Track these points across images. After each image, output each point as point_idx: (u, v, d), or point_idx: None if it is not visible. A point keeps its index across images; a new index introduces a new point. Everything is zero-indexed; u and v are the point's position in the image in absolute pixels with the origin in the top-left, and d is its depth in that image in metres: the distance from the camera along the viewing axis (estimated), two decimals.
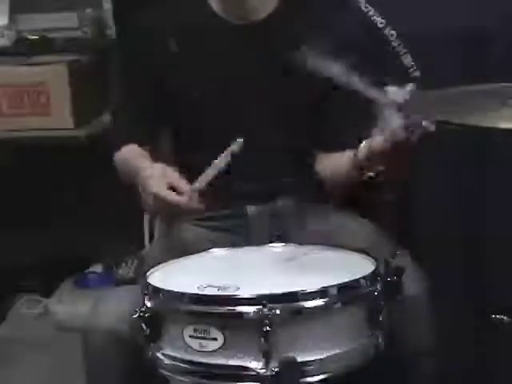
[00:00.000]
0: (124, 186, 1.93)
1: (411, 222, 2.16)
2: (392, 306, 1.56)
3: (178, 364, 1.51)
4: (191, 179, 1.79)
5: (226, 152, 1.72)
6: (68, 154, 2.86)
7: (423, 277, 1.75)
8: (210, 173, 1.74)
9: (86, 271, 3.14)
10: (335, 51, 1.89)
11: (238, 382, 1.47)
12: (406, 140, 1.58)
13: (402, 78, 2.14)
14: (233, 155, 1.73)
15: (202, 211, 1.75)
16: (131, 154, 1.96)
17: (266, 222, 1.91)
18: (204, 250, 1.78)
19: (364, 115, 1.76)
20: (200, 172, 1.76)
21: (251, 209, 1.93)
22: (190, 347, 1.49)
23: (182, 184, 1.72)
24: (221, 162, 1.73)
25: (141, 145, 1.97)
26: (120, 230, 2.81)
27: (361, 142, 1.74)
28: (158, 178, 1.74)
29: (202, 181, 1.73)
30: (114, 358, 1.68)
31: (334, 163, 1.92)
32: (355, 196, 1.97)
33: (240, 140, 1.73)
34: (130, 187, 1.86)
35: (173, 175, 1.74)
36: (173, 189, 1.71)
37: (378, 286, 1.53)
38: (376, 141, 1.66)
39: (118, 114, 2.10)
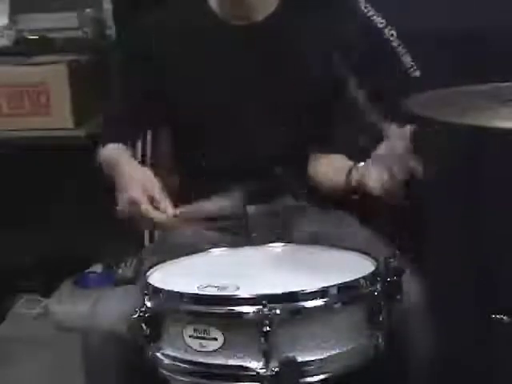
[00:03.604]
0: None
1: (411, 223, 2.16)
2: (392, 305, 1.56)
3: (178, 364, 1.51)
4: (190, 179, 1.79)
5: (231, 200, 1.71)
6: (68, 154, 2.86)
7: (422, 280, 1.74)
8: (200, 208, 1.71)
9: (86, 271, 3.14)
10: (333, 51, 1.90)
11: (237, 382, 1.47)
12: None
13: (402, 78, 2.16)
14: (235, 212, 1.73)
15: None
16: (114, 150, 1.95)
17: (266, 222, 1.91)
18: (204, 250, 1.78)
19: (365, 118, 1.77)
20: (199, 173, 1.76)
21: (251, 209, 1.93)
22: (190, 347, 1.49)
23: (163, 200, 1.69)
24: (218, 207, 1.72)
25: (132, 145, 1.98)
26: (120, 230, 2.80)
27: (361, 152, 1.76)
28: (138, 182, 1.72)
29: (189, 211, 1.71)
30: (114, 357, 1.68)
31: (327, 168, 1.92)
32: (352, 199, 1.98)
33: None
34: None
35: (154, 186, 1.71)
36: (151, 199, 1.68)
37: (378, 286, 1.53)
38: (369, 177, 1.70)
39: (110, 114, 2.09)
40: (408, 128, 1.65)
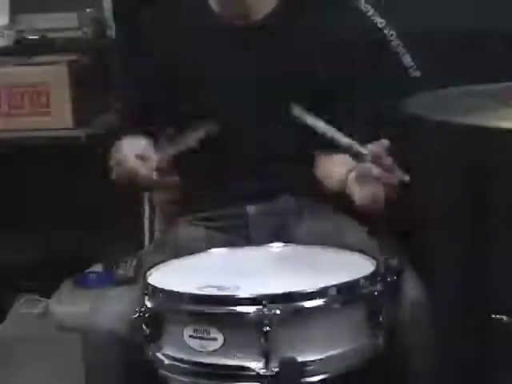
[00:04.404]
0: (124, 186, 1.93)
1: (411, 222, 2.16)
2: (392, 305, 1.56)
3: (178, 364, 1.51)
4: (190, 179, 1.80)
5: (199, 131, 1.74)
6: (68, 153, 2.86)
7: (420, 280, 1.75)
8: (179, 147, 1.76)
9: (86, 271, 3.13)
10: (334, 51, 1.91)
11: (238, 382, 1.47)
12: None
13: (402, 78, 2.16)
14: (206, 136, 1.75)
15: (174, 184, 1.78)
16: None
17: (266, 222, 1.91)
18: (203, 250, 1.78)
19: (366, 117, 1.77)
20: (200, 172, 1.76)
21: (251, 209, 1.93)
22: (190, 347, 1.49)
23: (149, 152, 1.75)
24: (192, 138, 1.75)
25: None
26: (120, 230, 2.81)
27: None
28: (126, 143, 1.80)
29: (170, 150, 1.76)
30: (114, 357, 1.68)
31: (330, 169, 1.92)
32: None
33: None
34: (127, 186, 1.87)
35: (141, 143, 1.78)
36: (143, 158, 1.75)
37: (378, 286, 1.53)
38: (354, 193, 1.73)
39: (119, 114, 2.11)
40: (382, 145, 1.67)
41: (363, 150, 1.66)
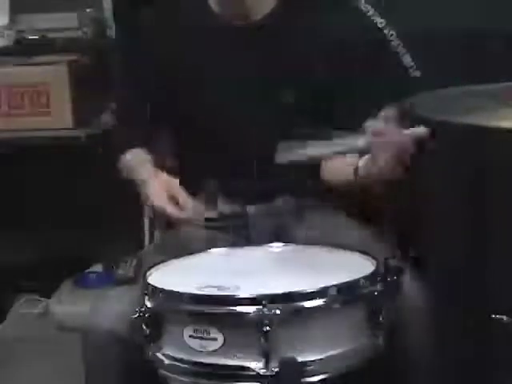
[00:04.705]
0: (124, 187, 1.93)
1: (411, 222, 2.16)
2: (392, 305, 1.56)
3: (178, 364, 1.51)
4: (190, 180, 1.80)
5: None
6: (68, 154, 2.86)
7: (420, 277, 1.75)
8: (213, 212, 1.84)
9: (86, 271, 3.13)
10: (334, 51, 1.91)
11: (238, 382, 1.47)
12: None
13: (402, 78, 2.16)
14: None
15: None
16: (135, 162, 1.95)
17: (266, 222, 1.91)
18: (204, 250, 1.78)
19: (366, 117, 1.77)
20: (200, 173, 1.76)
21: (251, 209, 1.93)
22: (190, 347, 1.49)
23: (184, 198, 1.75)
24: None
25: (142, 145, 1.98)
26: (120, 230, 2.81)
27: None
28: (160, 190, 1.77)
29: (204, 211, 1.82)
30: (114, 357, 1.68)
31: (337, 169, 1.92)
32: (355, 199, 1.98)
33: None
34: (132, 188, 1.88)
35: (175, 187, 1.77)
36: (174, 200, 1.75)
37: (378, 286, 1.53)
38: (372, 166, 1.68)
39: (119, 116, 2.11)
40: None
41: (361, 143, 1.65)
